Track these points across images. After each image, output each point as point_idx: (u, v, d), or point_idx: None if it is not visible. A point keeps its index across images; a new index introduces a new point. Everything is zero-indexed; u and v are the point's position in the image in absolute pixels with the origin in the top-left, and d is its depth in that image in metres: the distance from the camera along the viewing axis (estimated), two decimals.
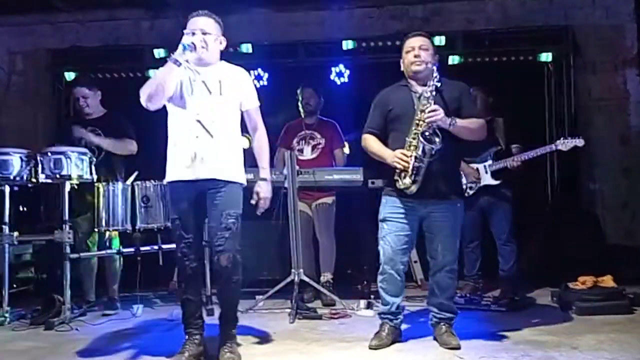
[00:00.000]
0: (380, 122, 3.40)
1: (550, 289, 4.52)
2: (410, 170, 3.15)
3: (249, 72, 6.18)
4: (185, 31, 3.16)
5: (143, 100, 3.10)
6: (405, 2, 6.21)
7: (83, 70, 6.19)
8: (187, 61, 3.14)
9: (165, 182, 3.26)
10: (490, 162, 4.71)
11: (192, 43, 3.07)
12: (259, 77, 6.02)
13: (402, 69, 3.42)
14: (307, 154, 4.94)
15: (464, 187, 4.77)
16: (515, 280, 4.72)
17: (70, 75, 6.22)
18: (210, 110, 3.14)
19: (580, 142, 4.47)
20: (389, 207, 3.34)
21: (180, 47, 3.05)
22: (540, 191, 5.88)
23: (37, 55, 6.43)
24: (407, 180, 3.17)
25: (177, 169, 3.15)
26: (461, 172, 4.73)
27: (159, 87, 3.06)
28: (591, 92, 6.02)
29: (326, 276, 4.79)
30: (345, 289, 4.85)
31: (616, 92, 6.00)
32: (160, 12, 6.29)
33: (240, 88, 3.26)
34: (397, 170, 3.21)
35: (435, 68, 3.26)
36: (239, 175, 3.23)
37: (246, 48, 5.91)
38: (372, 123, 3.43)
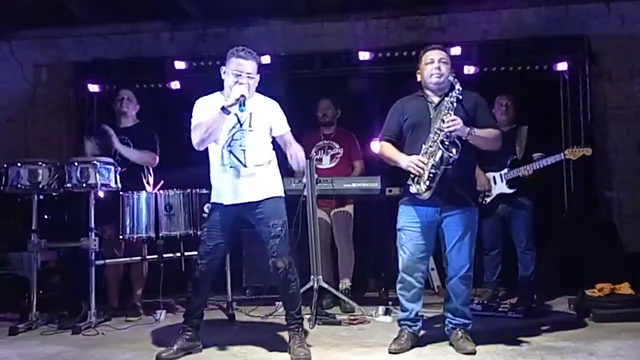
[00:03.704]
0: (396, 129, 3.51)
1: (568, 296, 4.54)
2: (425, 176, 3.24)
3: (269, 83, 6.26)
4: (231, 71, 3.32)
5: (195, 144, 3.33)
6: (421, 13, 6.28)
7: (106, 82, 6.36)
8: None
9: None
10: (506, 170, 4.75)
11: (243, 96, 3.20)
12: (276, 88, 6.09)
13: (419, 79, 3.51)
14: (326, 163, 5.03)
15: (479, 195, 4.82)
16: (533, 288, 4.75)
17: (93, 87, 6.38)
18: (241, 141, 3.37)
19: (588, 151, 4.52)
20: (406, 216, 3.44)
21: (237, 106, 3.20)
22: (556, 199, 5.88)
23: (61, 67, 6.60)
24: (422, 186, 3.26)
25: (216, 193, 3.46)
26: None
27: (211, 135, 3.29)
28: (607, 101, 6.04)
29: (345, 283, 4.85)
30: (363, 295, 4.90)
31: (633, 101, 6.02)
32: (180, 24, 6.43)
33: (270, 118, 3.45)
34: (412, 176, 3.30)
35: (457, 80, 3.36)
36: (277, 190, 3.45)
37: (265, 59, 5.99)
38: (388, 130, 3.54)
